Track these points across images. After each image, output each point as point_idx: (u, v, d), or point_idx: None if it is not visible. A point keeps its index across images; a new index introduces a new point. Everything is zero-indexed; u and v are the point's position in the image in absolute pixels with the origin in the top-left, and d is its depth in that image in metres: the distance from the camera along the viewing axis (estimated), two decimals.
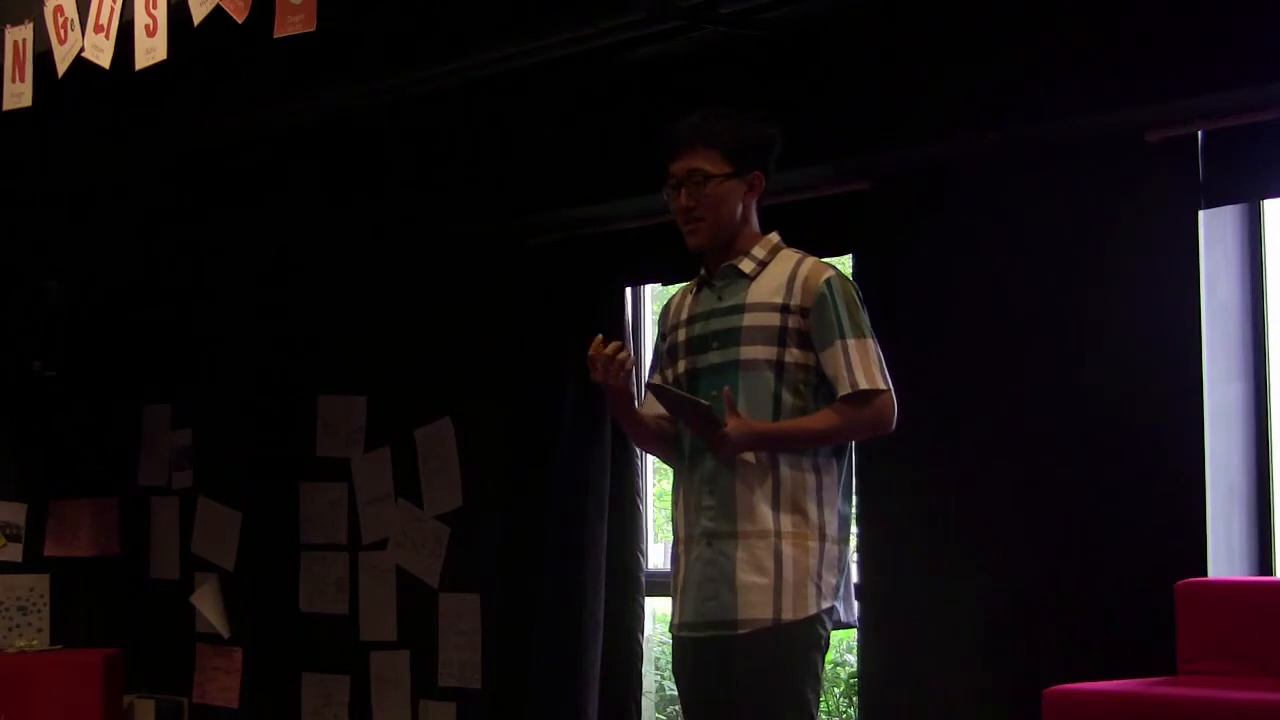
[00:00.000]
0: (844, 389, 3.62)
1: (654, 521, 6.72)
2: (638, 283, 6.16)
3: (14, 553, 7.05)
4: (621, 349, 3.66)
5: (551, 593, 5.99)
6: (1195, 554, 4.49)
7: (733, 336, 3.68)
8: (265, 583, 6.93)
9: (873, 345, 3.67)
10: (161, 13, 4.42)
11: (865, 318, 3.69)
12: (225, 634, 7.02)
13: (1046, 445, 4.79)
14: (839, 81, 5.12)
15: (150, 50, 4.45)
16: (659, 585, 6.30)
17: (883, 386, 3.64)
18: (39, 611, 7.08)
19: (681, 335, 3.80)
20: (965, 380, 4.92)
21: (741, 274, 3.73)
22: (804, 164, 5.13)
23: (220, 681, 7.06)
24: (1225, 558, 4.55)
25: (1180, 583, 4.36)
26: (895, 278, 5.05)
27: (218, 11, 4.24)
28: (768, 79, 5.24)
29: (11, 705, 6.43)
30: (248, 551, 6.99)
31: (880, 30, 4.98)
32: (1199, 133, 4.55)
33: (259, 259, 7.03)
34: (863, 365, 3.62)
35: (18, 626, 6.99)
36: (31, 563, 7.08)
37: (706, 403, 3.57)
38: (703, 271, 3.83)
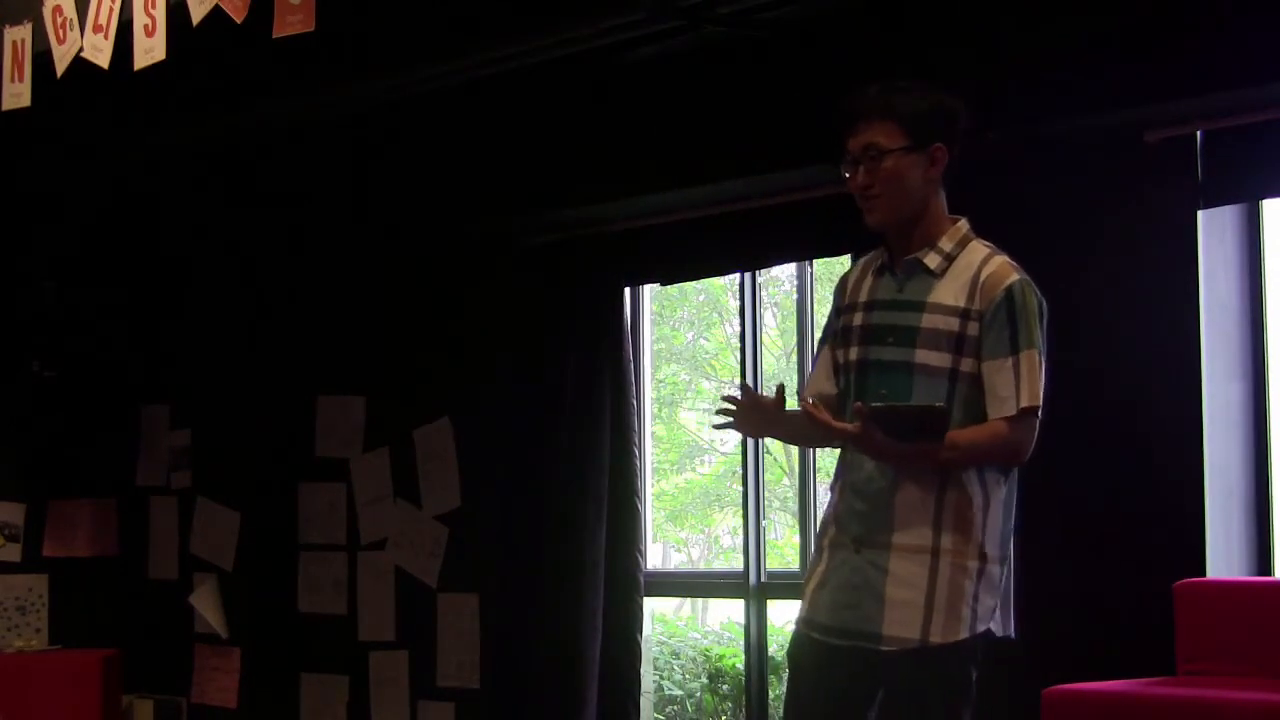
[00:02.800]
0: (1007, 409, 3.39)
1: (652, 522, 6.73)
2: (638, 283, 6.16)
3: (13, 553, 7.04)
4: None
5: (550, 593, 5.99)
6: (1194, 554, 4.49)
7: (909, 336, 3.44)
8: (264, 583, 6.93)
9: (1043, 364, 3.46)
10: (160, 13, 4.42)
11: (1042, 335, 3.48)
12: (224, 634, 7.02)
13: (1045, 445, 4.78)
14: (838, 81, 5.11)
15: (149, 50, 4.45)
16: (657, 585, 6.31)
17: (1038, 408, 3.43)
18: (38, 611, 7.07)
19: (858, 319, 3.54)
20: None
21: (927, 269, 3.48)
22: (804, 164, 5.14)
23: (219, 682, 7.06)
24: (1224, 558, 4.56)
25: (1179, 583, 4.36)
26: None
27: (216, 11, 4.24)
28: (767, 79, 5.24)
29: (10, 705, 6.42)
30: (246, 552, 6.99)
31: (879, 30, 4.98)
32: (1198, 133, 4.56)
33: (258, 259, 7.03)
34: (1029, 382, 3.41)
35: (16, 626, 6.99)
36: (30, 563, 7.08)
37: (941, 405, 3.35)
38: (885, 253, 3.58)
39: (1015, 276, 3.46)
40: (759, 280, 5.96)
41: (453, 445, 6.37)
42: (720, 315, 9.38)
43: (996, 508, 3.44)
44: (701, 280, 8.01)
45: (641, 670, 5.99)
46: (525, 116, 5.93)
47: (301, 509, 6.87)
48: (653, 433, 6.39)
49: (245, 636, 6.99)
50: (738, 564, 5.99)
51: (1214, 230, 4.64)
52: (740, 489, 6.04)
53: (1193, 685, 4.02)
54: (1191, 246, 4.56)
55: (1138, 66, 4.48)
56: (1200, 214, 4.57)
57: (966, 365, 3.42)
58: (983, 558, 3.41)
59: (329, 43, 4.45)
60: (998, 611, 3.46)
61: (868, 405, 3.35)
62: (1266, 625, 4.19)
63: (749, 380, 5.84)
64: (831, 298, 3.73)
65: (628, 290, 6.10)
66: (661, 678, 7.20)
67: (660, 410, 8.62)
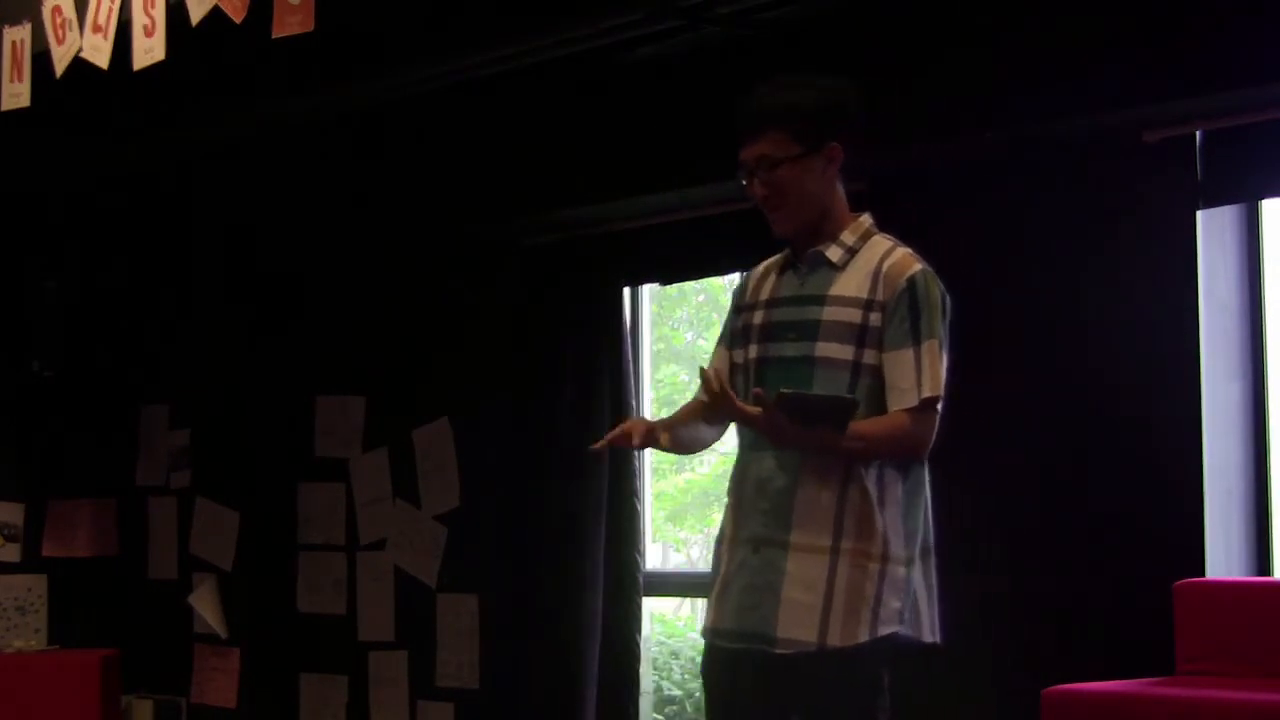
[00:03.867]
0: (908, 400, 3.32)
1: (651, 522, 6.72)
2: (637, 283, 6.16)
3: (12, 553, 7.04)
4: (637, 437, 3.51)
5: (549, 593, 5.98)
6: (1193, 554, 4.49)
7: (810, 330, 3.40)
8: (263, 583, 6.93)
9: (944, 356, 3.39)
10: (160, 13, 4.42)
11: (944, 327, 3.40)
12: (223, 634, 7.02)
13: (1044, 445, 4.79)
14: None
15: (149, 50, 4.46)
16: (657, 586, 6.31)
17: (939, 400, 3.35)
18: (37, 612, 7.07)
19: (757, 318, 3.52)
20: (963, 380, 4.91)
21: (828, 262, 3.45)
22: None
23: (218, 682, 7.06)
24: (1223, 558, 4.56)
25: (1178, 583, 4.36)
26: None
27: (216, 11, 4.24)
28: (766, 79, 5.22)
29: (9, 705, 6.42)
30: (246, 552, 6.99)
31: (879, 30, 4.97)
32: (1197, 133, 4.56)
33: (257, 259, 7.03)
34: (930, 372, 3.33)
35: (15, 627, 6.99)
36: (29, 563, 7.08)
37: (851, 397, 3.29)
38: (788, 251, 3.56)
39: (917, 267, 3.41)
40: None
41: (452, 445, 6.36)
42: (720, 315, 9.38)
43: (895, 507, 3.36)
44: (701, 280, 8.01)
45: (640, 670, 5.99)
46: (525, 116, 5.93)
47: (301, 509, 6.87)
48: None
49: (245, 636, 6.99)
50: None
51: (1214, 230, 4.64)
52: None
53: (1193, 685, 4.02)
54: (1191, 246, 4.56)
55: (1137, 66, 4.48)
56: (1200, 214, 4.57)
57: (869, 357, 3.38)
58: (885, 559, 3.33)
59: (329, 43, 4.45)
60: (908, 614, 3.36)
61: (777, 391, 3.26)
62: (1266, 625, 4.19)
63: None
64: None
65: (628, 290, 6.10)
66: (660, 678, 7.20)
67: (660, 410, 8.59)
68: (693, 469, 9.39)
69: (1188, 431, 4.52)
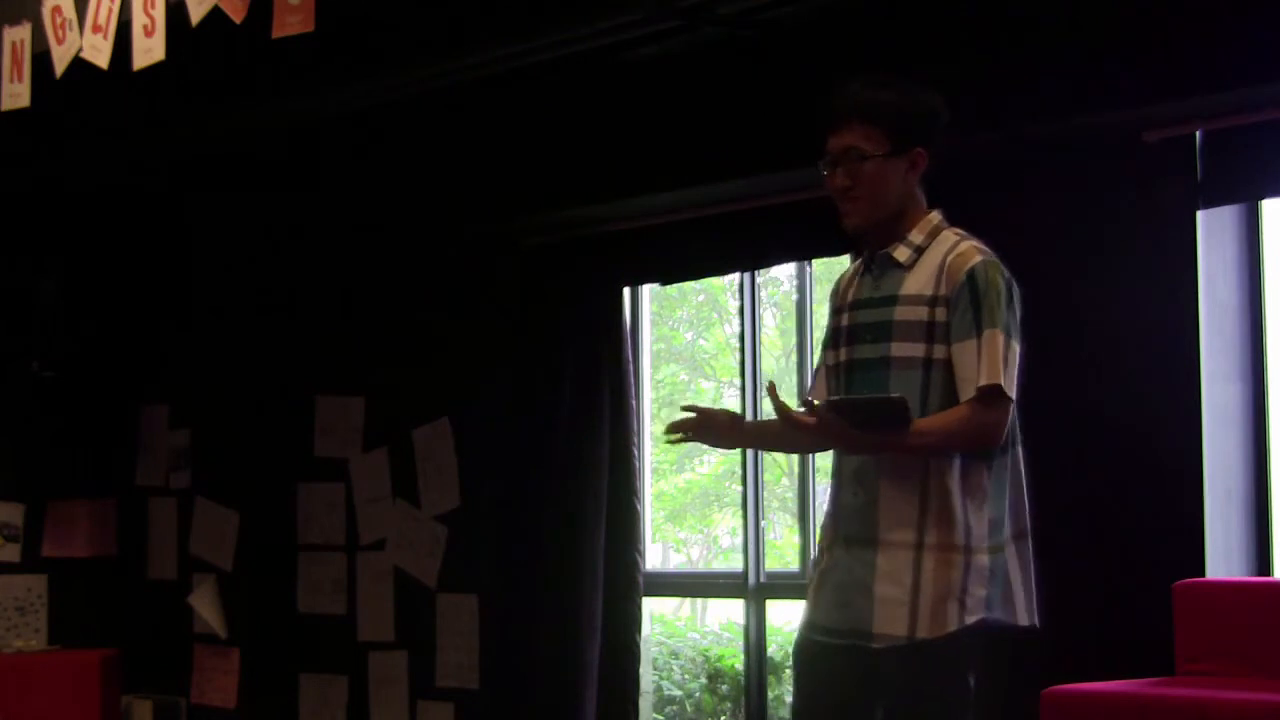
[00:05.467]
0: (969, 391, 3.34)
1: (652, 522, 6.73)
2: (637, 283, 6.16)
3: (12, 553, 7.04)
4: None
5: (549, 593, 5.99)
6: (1193, 554, 4.49)
7: (885, 331, 3.44)
8: (263, 583, 6.93)
9: (1012, 343, 3.38)
10: (159, 13, 4.43)
11: (1009, 314, 3.40)
12: (223, 634, 7.02)
13: (1044, 445, 4.78)
14: (838, 82, 5.11)
15: (148, 50, 4.46)
16: (657, 586, 6.31)
17: (1005, 387, 3.34)
18: (37, 612, 7.07)
19: (844, 320, 3.56)
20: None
21: (896, 263, 3.48)
22: (803, 164, 5.12)
23: (218, 682, 7.06)
24: (1223, 558, 4.56)
25: (1178, 583, 4.36)
26: None
27: (216, 12, 4.24)
28: (766, 79, 5.24)
29: (9, 706, 6.42)
30: (245, 552, 6.99)
31: (878, 30, 4.97)
32: (1197, 133, 4.56)
33: (257, 259, 7.03)
34: (989, 361, 3.33)
35: (15, 627, 6.99)
36: (29, 563, 7.08)
37: (898, 396, 3.30)
38: (865, 253, 3.58)
39: (979, 258, 3.43)
40: (759, 280, 5.96)
41: (452, 445, 6.36)
42: (720, 315, 9.39)
43: (979, 496, 3.40)
44: (701, 280, 8.01)
45: (640, 670, 5.99)
46: (525, 116, 5.93)
47: (300, 509, 6.87)
48: (652, 433, 6.38)
49: (244, 637, 6.99)
50: (737, 564, 5.98)
51: (1214, 230, 4.64)
52: (740, 489, 6.04)
53: (1193, 685, 4.02)
54: (1191, 246, 4.56)
55: (1137, 66, 4.48)
56: (1200, 214, 4.57)
57: (939, 352, 3.40)
58: (968, 549, 3.38)
59: (329, 43, 4.45)
60: (1000, 600, 3.42)
61: (824, 400, 3.36)
62: (1266, 625, 4.19)
63: (747, 381, 5.84)
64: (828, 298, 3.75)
65: (627, 290, 6.10)
66: (661, 678, 7.20)
67: (660, 410, 8.61)
68: (693, 469, 9.40)
69: (1188, 431, 4.52)
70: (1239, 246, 4.73)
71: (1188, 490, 4.51)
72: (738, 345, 6.26)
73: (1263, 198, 4.68)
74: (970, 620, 3.38)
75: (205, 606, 7.03)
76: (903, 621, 3.37)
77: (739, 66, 5.31)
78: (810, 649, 3.53)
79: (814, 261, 5.72)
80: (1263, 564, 4.65)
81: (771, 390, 3.37)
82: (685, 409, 3.65)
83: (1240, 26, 4.31)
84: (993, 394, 3.34)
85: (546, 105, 5.85)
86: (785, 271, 7.01)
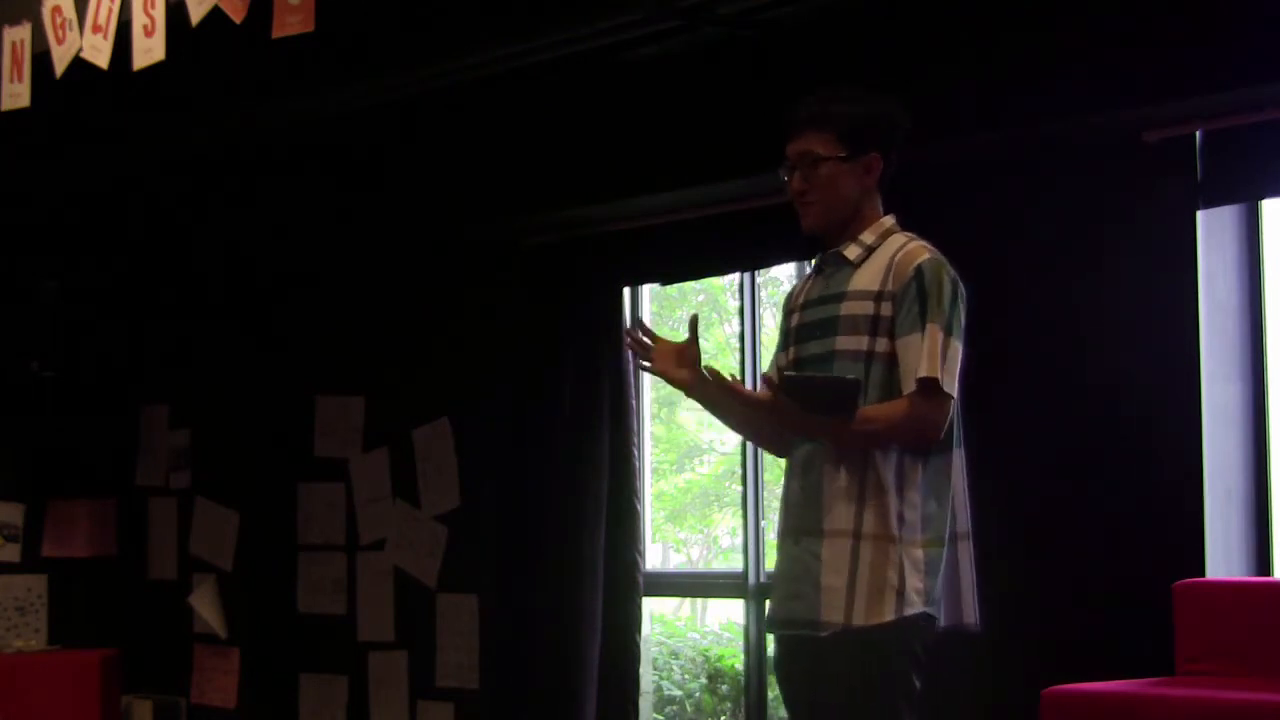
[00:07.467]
0: (909, 384, 3.43)
1: (651, 522, 6.72)
2: (636, 283, 6.16)
3: (12, 553, 7.04)
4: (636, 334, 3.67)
5: (550, 593, 5.99)
6: (1193, 554, 4.49)
7: (831, 326, 3.56)
8: (263, 583, 6.93)
9: (952, 341, 3.45)
10: (159, 13, 4.42)
11: (953, 313, 3.47)
12: (223, 634, 7.02)
13: (1044, 445, 4.79)
14: (837, 82, 5.11)
15: (148, 50, 4.46)
16: (657, 586, 6.31)
17: (943, 382, 3.41)
18: (37, 612, 7.07)
19: (794, 321, 3.69)
20: (963, 380, 4.92)
21: (847, 261, 3.60)
22: None
23: (218, 682, 7.06)
24: (1223, 558, 4.56)
25: (1178, 583, 4.36)
26: None
27: (216, 12, 4.24)
28: (766, 79, 5.23)
29: (9, 706, 6.42)
30: (245, 552, 6.99)
31: (878, 30, 4.98)
32: (1197, 133, 4.56)
33: (257, 259, 7.03)
34: (929, 355, 3.41)
35: (15, 627, 6.99)
36: (29, 563, 7.08)
37: (853, 378, 3.40)
38: (818, 255, 3.71)
39: (926, 255, 3.54)
40: (759, 280, 5.96)
41: (452, 445, 6.37)
42: (720, 315, 9.38)
43: (914, 492, 3.48)
44: (701, 280, 8.01)
45: (640, 670, 5.99)
46: (525, 117, 5.93)
47: (300, 509, 6.87)
48: (652, 433, 6.39)
49: (244, 637, 6.99)
50: (737, 564, 5.98)
51: (1214, 230, 4.64)
52: (739, 489, 6.04)
53: (1193, 685, 4.02)
54: (1191, 247, 4.56)
55: (1137, 66, 4.48)
56: (1200, 214, 4.57)
57: (881, 345, 3.51)
58: (906, 542, 3.45)
59: (329, 43, 4.45)
60: (939, 596, 3.49)
61: (781, 374, 3.47)
62: (1266, 625, 4.19)
63: (747, 381, 5.84)
64: None
65: (627, 290, 6.10)
66: (661, 678, 7.21)
67: (659, 410, 8.61)
68: (693, 469, 9.39)
69: (1188, 431, 4.52)
70: (1239, 246, 4.73)
71: (1188, 490, 4.51)
72: (738, 345, 6.26)
73: (1263, 198, 4.68)
74: (910, 612, 3.45)
75: (205, 606, 7.03)
76: (840, 609, 3.45)
77: (739, 66, 5.31)
78: (776, 645, 3.66)
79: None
80: (1263, 564, 4.65)
81: (693, 323, 3.60)
82: (706, 368, 3.72)
83: (1240, 26, 4.31)
84: (930, 387, 3.43)
85: (546, 105, 5.85)
86: (785, 271, 7.00)
